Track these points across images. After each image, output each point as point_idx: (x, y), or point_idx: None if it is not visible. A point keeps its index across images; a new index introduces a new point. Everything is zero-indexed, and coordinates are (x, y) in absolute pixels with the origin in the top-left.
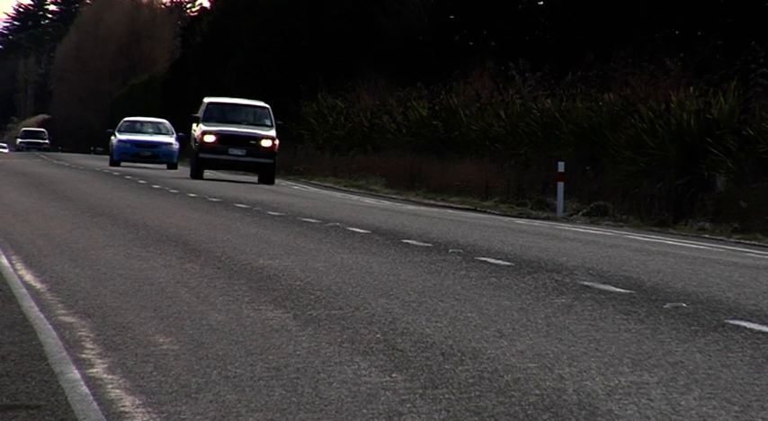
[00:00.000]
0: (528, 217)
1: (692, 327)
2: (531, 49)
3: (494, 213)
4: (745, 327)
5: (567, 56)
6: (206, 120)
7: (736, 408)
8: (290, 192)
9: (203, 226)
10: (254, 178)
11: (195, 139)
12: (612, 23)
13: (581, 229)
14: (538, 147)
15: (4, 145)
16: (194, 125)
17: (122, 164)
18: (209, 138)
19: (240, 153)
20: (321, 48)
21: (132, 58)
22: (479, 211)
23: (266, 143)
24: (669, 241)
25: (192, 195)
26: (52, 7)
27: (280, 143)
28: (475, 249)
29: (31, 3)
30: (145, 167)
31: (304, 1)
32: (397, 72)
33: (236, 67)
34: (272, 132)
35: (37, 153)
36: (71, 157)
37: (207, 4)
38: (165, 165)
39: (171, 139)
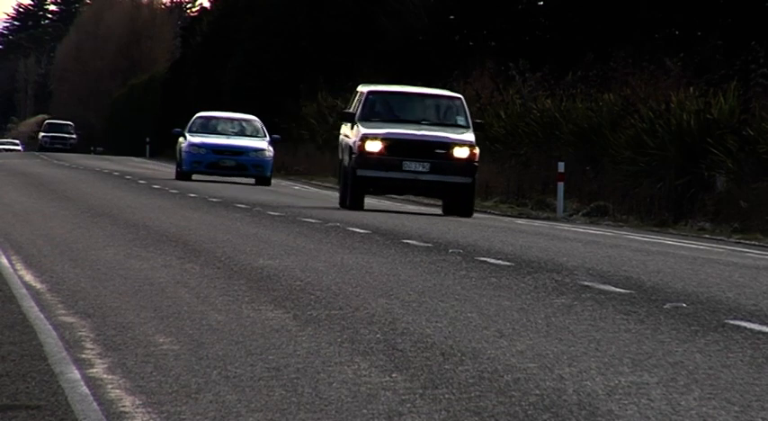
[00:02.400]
0: (528, 217)
1: (692, 327)
2: (531, 49)
3: (494, 213)
4: (745, 327)
5: (567, 56)
6: (365, 118)
7: (736, 408)
8: (289, 192)
9: (203, 226)
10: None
11: (348, 148)
12: (612, 23)
13: (581, 229)
14: (538, 147)
15: (17, 142)
16: (346, 127)
17: (195, 177)
18: (374, 146)
19: (421, 168)
20: (321, 48)
21: (132, 58)
22: (479, 211)
23: (461, 152)
24: (669, 241)
25: (192, 195)
26: (52, 7)
27: (277, 143)
28: (475, 249)
29: (31, 3)
30: (226, 182)
31: (304, 1)
32: (397, 72)
33: (236, 67)
34: (469, 135)
35: (51, 154)
36: (71, 157)
37: (207, 4)
38: (253, 179)
39: (263, 143)
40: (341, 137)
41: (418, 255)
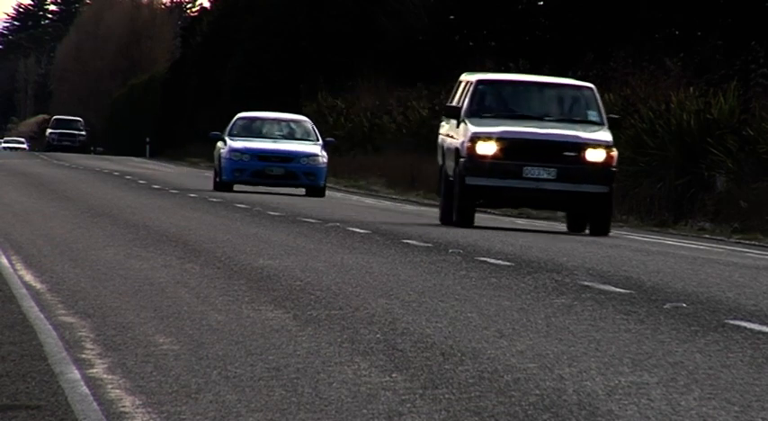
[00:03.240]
0: (528, 217)
1: (692, 327)
2: (531, 49)
3: (494, 213)
4: (745, 327)
5: (567, 56)
6: (475, 114)
7: (736, 408)
8: (289, 190)
9: (203, 226)
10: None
11: (453, 150)
12: (612, 23)
13: None
14: None
15: (22, 140)
16: (449, 125)
17: (236, 187)
18: (487, 148)
19: (545, 175)
20: (321, 48)
21: (132, 58)
22: (479, 212)
23: (595, 154)
24: (669, 241)
25: (192, 195)
26: (52, 7)
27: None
28: (475, 249)
29: (31, 3)
30: (274, 193)
31: (304, 1)
32: (397, 72)
33: (236, 67)
34: (605, 134)
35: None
36: (71, 157)
37: (207, 4)
38: (303, 189)
39: (315, 148)
40: (441, 137)
41: (418, 255)
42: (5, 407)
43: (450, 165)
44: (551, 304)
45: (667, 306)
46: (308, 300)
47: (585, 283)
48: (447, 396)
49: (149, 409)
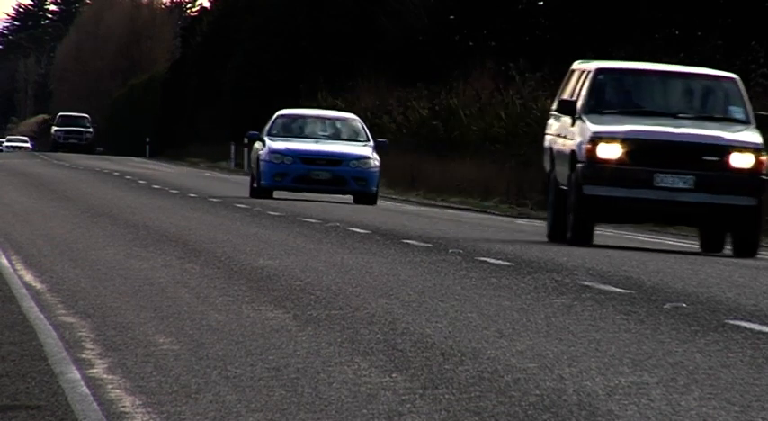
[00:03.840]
0: (528, 217)
1: (692, 327)
2: (531, 49)
3: (494, 213)
4: (745, 327)
5: (566, 56)
6: (593, 110)
7: (736, 408)
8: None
9: (203, 226)
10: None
11: (567, 153)
12: (612, 23)
13: None
14: (538, 147)
15: (26, 139)
16: (560, 122)
17: (276, 194)
18: (610, 151)
19: (681, 184)
20: (321, 48)
21: (132, 58)
22: (479, 212)
23: (742, 159)
24: (669, 241)
25: (193, 195)
26: (52, 7)
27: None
28: (475, 249)
29: (31, 3)
30: (318, 200)
31: (304, 1)
32: (397, 72)
33: (236, 67)
34: (753, 135)
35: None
36: (71, 157)
37: (207, 4)
38: (351, 196)
39: (365, 149)
40: (550, 137)
41: (418, 255)
42: (5, 407)
43: (562, 171)
44: (551, 304)
45: (667, 306)
46: (308, 300)
47: (585, 283)
48: (447, 396)
49: (149, 409)
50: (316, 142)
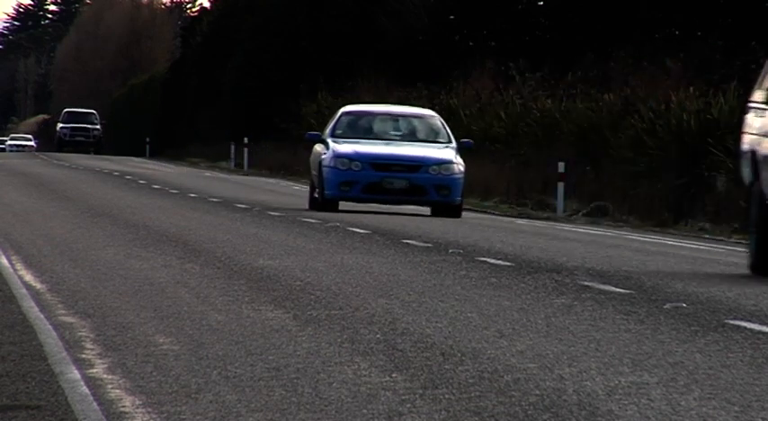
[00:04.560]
0: (528, 217)
1: (692, 327)
2: (531, 49)
3: (494, 213)
4: (745, 327)
5: (566, 56)
6: None
7: (736, 408)
8: (289, 192)
9: (203, 226)
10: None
11: None
12: (612, 23)
13: (581, 229)
14: (538, 147)
15: (30, 137)
16: (756, 117)
17: (342, 206)
18: None
19: None
20: (321, 48)
21: (132, 58)
22: (479, 212)
23: None
24: (669, 241)
25: (193, 195)
26: (52, 7)
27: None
28: (475, 249)
29: (31, 3)
30: (390, 213)
31: (304, 1)
32: (397, 72)
33: (236, 67)
34: None
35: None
36: (71, 157)
37: (207, 4)
38: (429, 208)
39: (448, 153)
40: (752, 137)
41: (418, 255)
42: (5, 407)
43: None
44: (551, 304)
45: (667, 306)
46: (308, 300)
47: (585, 283)
48: (447, 396)
49: (149, 409)
50: (388, 144)
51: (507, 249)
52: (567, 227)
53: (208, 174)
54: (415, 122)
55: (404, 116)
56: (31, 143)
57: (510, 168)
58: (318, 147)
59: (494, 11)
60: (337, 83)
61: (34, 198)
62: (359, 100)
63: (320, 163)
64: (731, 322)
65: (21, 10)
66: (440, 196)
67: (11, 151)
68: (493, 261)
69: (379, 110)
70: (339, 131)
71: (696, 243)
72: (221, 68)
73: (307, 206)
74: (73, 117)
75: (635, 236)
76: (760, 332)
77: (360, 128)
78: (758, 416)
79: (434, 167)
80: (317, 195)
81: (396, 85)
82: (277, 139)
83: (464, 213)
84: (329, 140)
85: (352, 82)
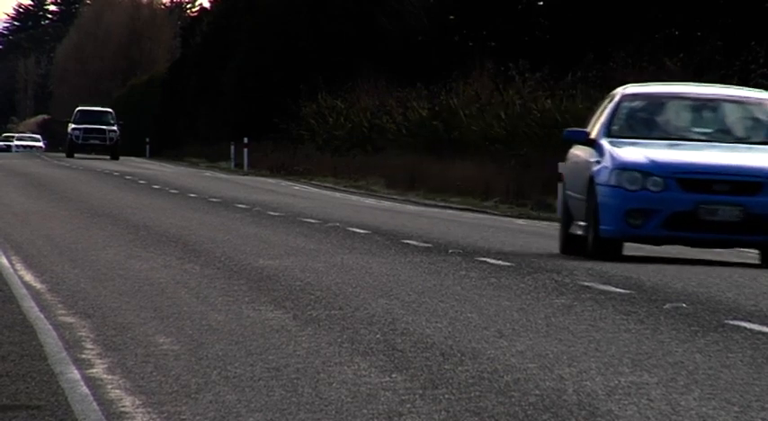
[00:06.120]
0: (528, 217)
1: (692, 327)
2: (531, 49)
3: (494, 213)
4: (745, 327)
5: (567, 56)
6: None
7: (735, 408)
8: (289, 192)
9: (203, 226)
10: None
11: None
12: (612, 23)
13: None
14: (538, 147)
15: (38, 137)
16: None
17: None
18: None
19: None
20: (321, 48)
21: (132, 58)
22: (479, 212)
23: None
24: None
25: (192, 195)
26: (52, 7)
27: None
28: (475, 249)
29: (31, 3)
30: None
31: (304, 1)
32: (397, 72)
33: (236, 67)
34: None
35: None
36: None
37: (207, 5)
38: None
39: None
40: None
41: (418, 256)
42: (5, 408)
43: None
44: (551, 304)
45: (667, 306)
46: (308, 300)
47: (585, 283)
48: (447, 396)
49: (149, 409)
50: (700, 148)
51: (507, 249)
52: None
53: (208, 174)
54: (743, 111)
55: (729, 100)
56: (40, 144)
57: (510, 169)
58: (578, 152)
59: (493, 11)
60: (337, 83)
61: (34, 198)
62: (359, 100)
63: (591, 178)
64: (731, 322)
65: (21, 10)
66: None
67: (16, 151)
68: (493, 261)
69: (684, 91)
70: (616, 127)
71: None
72: (221, 68)
73: (557, 249)
74: (87, 117)
75: None
76: (759, 332)
77: (650, 122)
78: (758, 416)
79: None
80: (584, 232)
81: (395, 85)
82: (277, 139)
83: (465, 213)
84: (603, 142)
85: (352, 82)
